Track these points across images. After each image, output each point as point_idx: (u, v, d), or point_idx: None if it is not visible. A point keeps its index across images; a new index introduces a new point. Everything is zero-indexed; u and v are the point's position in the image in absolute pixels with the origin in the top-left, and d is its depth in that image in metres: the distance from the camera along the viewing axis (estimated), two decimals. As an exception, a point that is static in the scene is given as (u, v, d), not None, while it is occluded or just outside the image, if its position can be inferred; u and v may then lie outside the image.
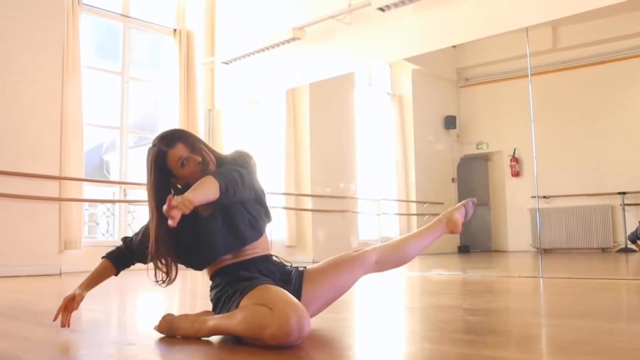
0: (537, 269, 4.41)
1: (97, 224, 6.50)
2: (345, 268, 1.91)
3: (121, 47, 6.78)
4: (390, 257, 1.97)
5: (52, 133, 5.72)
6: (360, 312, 2.59)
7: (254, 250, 1.86)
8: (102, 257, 2.02)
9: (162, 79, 7.16)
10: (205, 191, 1.61)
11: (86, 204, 6.46)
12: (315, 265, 1.96)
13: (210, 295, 1.87)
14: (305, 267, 1.96)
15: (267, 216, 1.91)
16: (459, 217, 2.06)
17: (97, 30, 6.93)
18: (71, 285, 4.31)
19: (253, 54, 6.38)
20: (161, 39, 7.25)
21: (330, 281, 1.89)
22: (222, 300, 1.79)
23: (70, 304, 1.91)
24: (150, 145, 1.81)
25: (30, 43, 5.61)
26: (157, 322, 1.86)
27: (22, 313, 2.58)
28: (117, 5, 6.76)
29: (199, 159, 1.77)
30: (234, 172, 1.73)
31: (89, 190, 6.67)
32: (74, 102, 5.90)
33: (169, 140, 1.78)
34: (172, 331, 1.81)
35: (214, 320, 1.74)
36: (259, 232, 1.86)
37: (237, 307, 1.68)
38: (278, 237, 6.68)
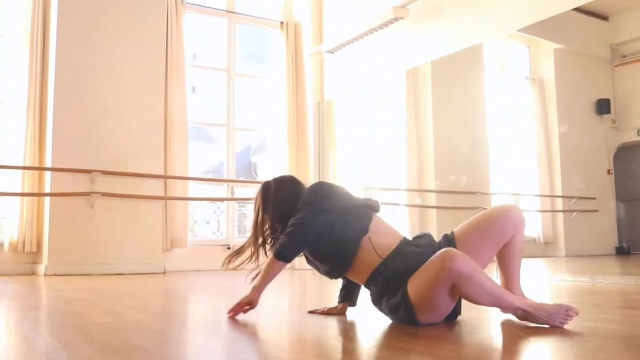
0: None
1: (208, 222, 6.49)
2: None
3: (226, 43, 6.72)
4: None
5: (156, 132, 5.77)
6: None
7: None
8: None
9: (269, 73, 7.02)
10: (265, 276, 2.02)
11: (199, 203, 6.50)
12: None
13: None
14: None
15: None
16: (542, 315, 1.78)
17: (202, 28, 6.97)
18: (173, 284, 4.24)
19: (357, 39, 5.95)
20: (267, 32, 7.12)
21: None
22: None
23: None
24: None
25: (134, 44, 5.71)
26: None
27: (64, 312, 2.42)
28: (221, 2, 6.71)
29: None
30: (286, 235, 1.98)
31: (208, 190, 6.73)
32: (178, 101, 5.93)
33: None
34: None
35: None
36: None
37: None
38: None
